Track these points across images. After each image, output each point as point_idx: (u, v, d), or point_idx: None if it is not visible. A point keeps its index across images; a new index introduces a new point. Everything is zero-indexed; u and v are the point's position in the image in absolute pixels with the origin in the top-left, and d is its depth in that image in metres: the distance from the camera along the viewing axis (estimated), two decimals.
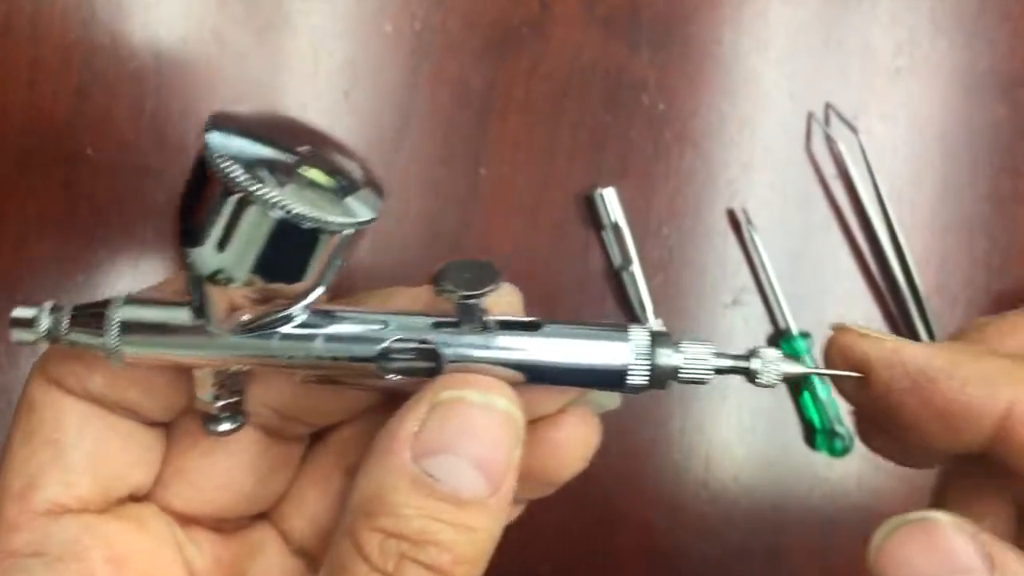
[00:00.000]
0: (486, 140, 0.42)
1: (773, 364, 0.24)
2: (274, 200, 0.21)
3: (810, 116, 0.45)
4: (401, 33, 0.42)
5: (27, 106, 0.40)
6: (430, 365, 0.24)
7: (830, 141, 0.45)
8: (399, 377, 0.24)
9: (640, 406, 0.44)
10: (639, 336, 0.24)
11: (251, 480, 0.28)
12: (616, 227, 0.43)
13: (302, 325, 0.24)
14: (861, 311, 0.45)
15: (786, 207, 0.45)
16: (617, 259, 0.43)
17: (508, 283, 0.26)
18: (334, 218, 0.22)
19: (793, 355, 0.40)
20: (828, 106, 0.45)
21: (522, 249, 0.43)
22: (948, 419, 0.23)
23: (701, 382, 0.24)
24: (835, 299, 0.45)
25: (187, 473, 0.27)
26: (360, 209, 0.22)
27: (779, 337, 0.44)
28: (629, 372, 0.24)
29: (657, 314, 0.43)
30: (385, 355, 0.24)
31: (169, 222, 0.40)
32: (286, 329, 0.24)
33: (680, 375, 0.24)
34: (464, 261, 0.24)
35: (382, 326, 0.24)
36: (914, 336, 0.45)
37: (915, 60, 0.45)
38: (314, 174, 0.22)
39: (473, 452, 0.22)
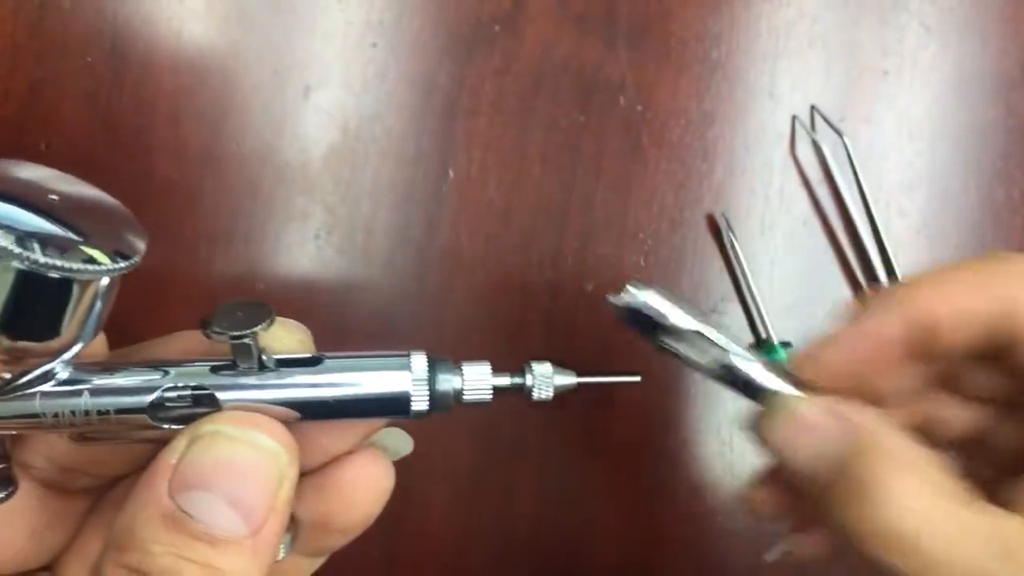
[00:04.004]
0: (454, 141, 0.41)
1: (544, 378, 0.26)
2: (13, 250, 0.19)
3: (794, 118, 0.43)
4: (366, 28, 0.40)
5: None
6: (209, 411, 0.23)
7: (815, 144, 0.43)
8: (178, 427, 0.23)
9: (618, 418, 0.42)
10: (418, 363, 0.24)
11: (24, 538, 0.26)
12: None
13: (66, 382, 0.23)
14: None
15: (768, 212, 0.43)
16: None
17: (292, 320, 0.26)
18: (84, 265, 0.20)
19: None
20: (813, 108, 0.43)
21: (492, 255, 0.41)
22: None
23: (484, 403, 0.25)
24: (819, 308, 0.43)
25: None
26: (113, 255, 0.21)
27: (759, 347, 0.42)
28: (410, 398, 0.24)
29: None
30: (159, 405, 0.23)
31: None
32: (47, 387, 0.23)
33: (464, 397, 0.25)
34: (237, 301, 0.23)
35: (157, 375, 0.23)
36: None
37: (903, 61, 0.44)
38: (62, 222, 0.21)
39: (229, 489, 0.22)
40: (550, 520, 0.42)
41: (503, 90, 0.41)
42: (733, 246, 0.42)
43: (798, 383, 0.27)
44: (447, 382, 0.25)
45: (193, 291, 0.39)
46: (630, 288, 0.25)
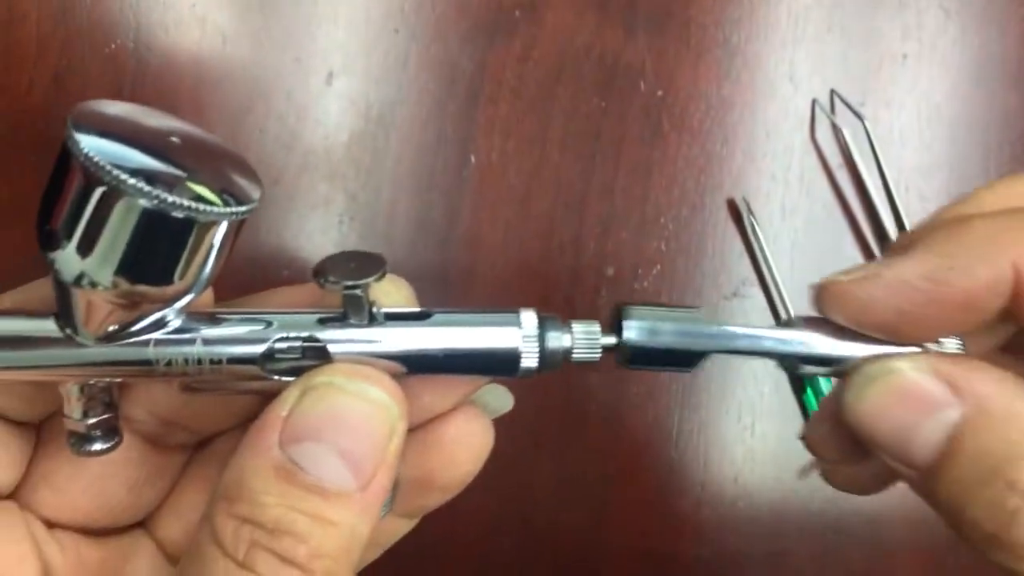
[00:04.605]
0: (475, 127, 0.41)
1: None
2: (142, 188, 0.19)
3: (814, 102, 0.43)
4: (387, 15, 0.40)
5: (2, 92, 0.39)
6: (318, 363, 0.23)
7: (835, 128, 0.43)
8: (287, 379, 0.23)
9: (636, 403, 0.42)
10: (528, 320, 0.24)
11: (124, 490, 0.26)
12: None
13: (178, 330, 0.23)
14: None
15: (789, 196, 0.43)
16: None
17: (397, 276, 0.25)
18: (206, 206, 0.20)
19: None
20: (833, 92, 0.43)
21: (512, 240, 0.41)
22: (968, 305, 0.22)
23: (593, 361, 0.24)
24: None
25: (53, 479, 0.26)
26: (234, 198, 0.21)
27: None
28: (520, 355, 0.23)
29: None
30: (270, 355, 0.23)
31: None
32: (160, 334, 0.22)
33: (573, 356, 0.24)
34: (349, 252, 0.23)
35: (265, 325, 0.23)
36: None
37: (923, 45, 0.44)
38: (185, 164, 0.21)
39: (340, 441, 0.21)
40: (571, 506, 0.43)
41: (524, 76, 0.41)
42: (754, 230, 0.42)
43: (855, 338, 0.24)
44: (556, 340, 0.24)
45: (216, 278, 0.39)
46: (631, 323, 0.24)
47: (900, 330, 0.23)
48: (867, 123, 0.42)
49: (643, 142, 0.42)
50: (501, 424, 0.42)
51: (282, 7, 0.40)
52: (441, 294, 0.41)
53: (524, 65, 0.41)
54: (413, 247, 0.41)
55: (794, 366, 0.25)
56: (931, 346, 0.24)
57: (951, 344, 0.24)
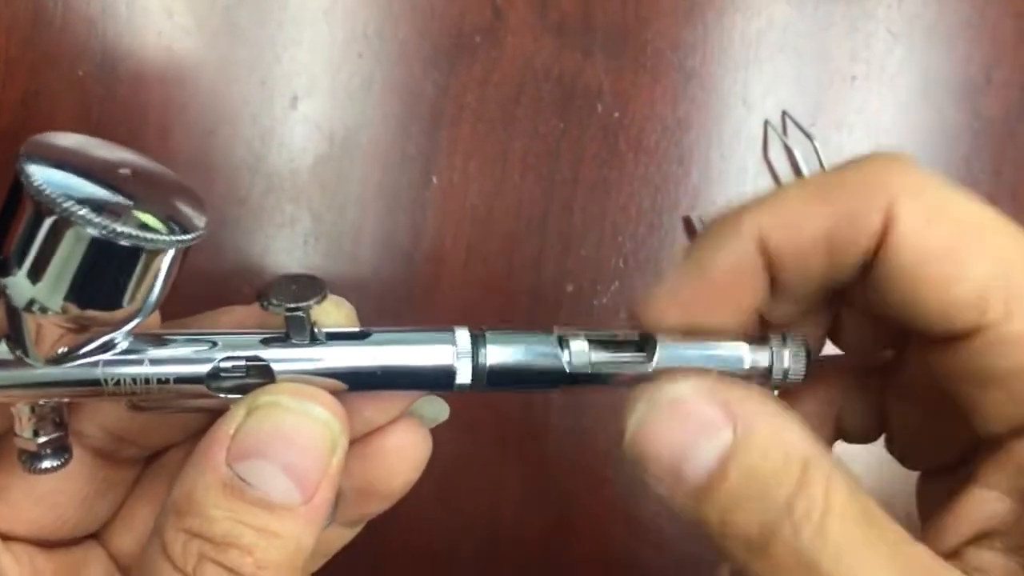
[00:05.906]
0: (438, 149, 0.42)
1: (581, 354, 0.25)
2: (90, 218, 0.20)
3: (766, 124, 0.44)
4: (351, 39, 0.41)
5: None
6: (262, 381, 0.24)
7: (787, 149, 0.44)
8: (233, 396, 0.24)
9: (598, 413, 0.44)
10: (462, 338, 0.25)
11: (76, 503, 0.27)
12: None
13: (126, 351, 0.24)
14: None
15: None
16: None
17: (338, 296, 0.26)
18: (153, 235, 0.21)
19: None
20: (784, 113, 0.44)
21: (475, 258, 0.42)
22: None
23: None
24: None
25: (7, 493, 0.26)
26: (180, 227, 0.22)
27: None
28: (455, 372, 0.24)
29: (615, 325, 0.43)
30: (215, 374, 0.24)
31: None
32: (108, 356, 0.23)
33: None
34: (291, 275, 0.24)
35: (211, 346, 0.24)
36: None
37: (871, 67, 0.45)
38: (133, 194, 0.22)
39: (285, 457, 0.22)
40: (535, 514, 0.44)
41: (485, 99, 0.42)
42: None
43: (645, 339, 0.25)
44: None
45: (184, 296, 0.40)
46: (492, 347, 0.25)
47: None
48: (817, 143, 0.44)
49: (601, 162, 0.43)
50: (464, 435, 0.43)
51: (248, 32, 0.40)
52: (405, 311, 0.42)
53: (485, 88, 0.42)
54: (378, 266, 0.42)
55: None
56: (774, 340, 0.25)
57: (796, 339, 0.25)
